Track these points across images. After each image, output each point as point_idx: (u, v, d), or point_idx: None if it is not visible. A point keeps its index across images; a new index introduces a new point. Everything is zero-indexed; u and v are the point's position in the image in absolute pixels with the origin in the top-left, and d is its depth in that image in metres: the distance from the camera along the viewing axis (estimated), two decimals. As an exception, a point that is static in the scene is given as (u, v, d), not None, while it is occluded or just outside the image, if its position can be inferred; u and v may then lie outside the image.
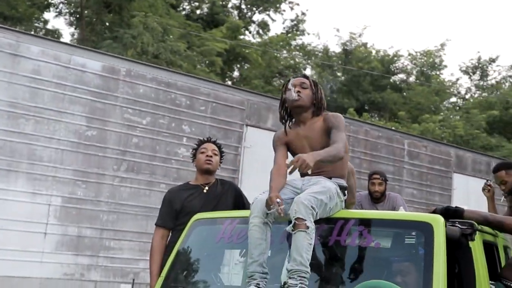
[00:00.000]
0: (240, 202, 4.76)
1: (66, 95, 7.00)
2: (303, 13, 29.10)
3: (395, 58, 26.15)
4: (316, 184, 3.30)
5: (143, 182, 7.48)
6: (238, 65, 22.12)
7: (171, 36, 13.37)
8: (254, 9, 27.17)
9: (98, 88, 7.25)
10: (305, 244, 2.99)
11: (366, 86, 24.18)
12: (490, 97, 23.27)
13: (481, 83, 27.50)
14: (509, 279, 3.94)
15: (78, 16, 15.45)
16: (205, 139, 5.16)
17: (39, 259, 6.64)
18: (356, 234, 3.17)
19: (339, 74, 25.38)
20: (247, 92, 8.96)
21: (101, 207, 7.14)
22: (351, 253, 3.21)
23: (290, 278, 2.96)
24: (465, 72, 27.76)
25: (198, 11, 24.64)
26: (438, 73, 26.31)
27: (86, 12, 14.92)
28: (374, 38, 52.53)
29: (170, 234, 4.72)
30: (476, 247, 3.51)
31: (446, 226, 3.15)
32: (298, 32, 29.25)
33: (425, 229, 3.08)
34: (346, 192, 3.49)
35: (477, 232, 3.56)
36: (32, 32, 13.93)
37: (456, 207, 3.72)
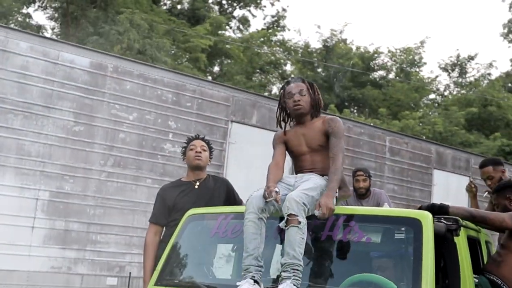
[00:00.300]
0: (231, 198, 4.88)
1: (54, 91, 7.03)
2: (283, 9, 29.29)
3: (375, 55, 26.41)
4: (307, 181, 3.44)
5: (130, 177, 7.54)
6: (218, 60, 22.16)
7: (155, 33, 13.41)
8: (235, 4, 27.22)
9: (86, 84, 7.29)
10: (297, 238, 3.12)
11: (346, 82, 24.39)
12: (468, 95, 23.63)
13: (460, 80, 27.91)
14: (492, 273, 4.11)
15: (61, 11, 15.37)
16: (194, 136, 5.27)
17: (27, 253, 6.68)
18: (347, 230, 3.30)
19: (319, 70, 25.57)
20: (232, 88, 9.04)
21: (88, 201, 7.19)
22: (342, 247, 3.34)
23: (284, 271, 3.08)
24: (444, 69, 28.14)
25: (179, 6, 24.63)
26: (417, 70, 26.64)
27: (70, 7, 14.86)
28: (355, 35, 52.89)
29: (164, 229, 4.84)
30: (461, 242, 3.66)
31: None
32: (278, 28, 29.38)
33: (414, 225, 3.21)
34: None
35: (462, 228, 3.71)
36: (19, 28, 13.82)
37: (441, 203, 3.87)
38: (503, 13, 59.17)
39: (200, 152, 4.95)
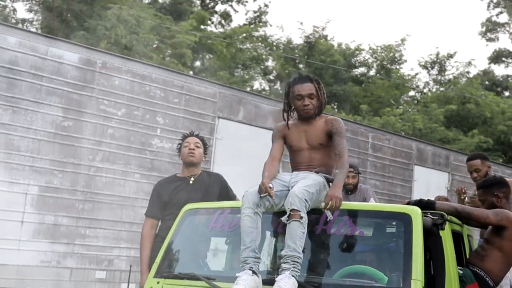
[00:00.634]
0: (225, 193, 5.02)
1: (43, 86, 7.07)
2: (265, 5, 29.35)
3: (357, 52, 26.64)
4: (306, 179, 3.56)
5: (118, 172, 7.61)
6: (201, 55, 22.20)
7: (142, 29, 13.42)
8: (217, -1, 27.25)
9: (75, 80, 7.34)
10: (298, 232, 3.26)
11: (327, 78, 24.56)
12: (448, 92, 23.98)
13: (439, 78, 28.29)
14: (476, 265, 4.30)
15: (46, 4, 15.27)
16: (189, 133, 5.40)
17: (16, 247, 6.73)
18: (341, 224, 3.44)
19: (301, 66, 25.71)
20: (219, 85, 9.15)
21: (77, 196, 7.25)
22: (336, 241, 3.48)
23: (284, 263, 3.22)
24: (424, 67, 28.49)
25: (160, 0, 24.57)
26: (398, 67, 26.93)
27: (56, 1, 14.78)
28: (337, 32, 53.22)
29: (160, 223, 4.97)
30: (446, 236, 3.82)
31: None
32: (260, 24, 29.46)
33: (404, 219, 3.37)
34: (330, 184, 3.76)
35: (447, 223, 3.88)
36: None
37: (428, 199, 4.03)
38: (481, 12, 59.95)
39: (194, 149, 5.10)
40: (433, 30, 53.91)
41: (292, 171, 3.93)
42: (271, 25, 36.08)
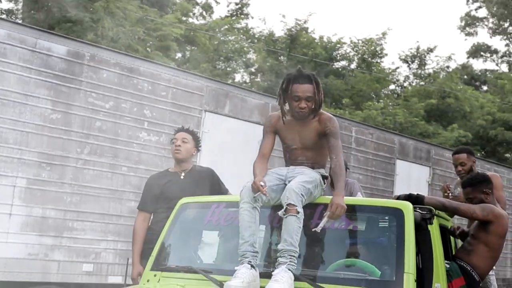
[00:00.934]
0: (216, 187, 5.11)
1: (31, 78, 7.05)
2: (247, -3, 29.31)
3: (338, 45, 26.77)
4: (302, 174, 3.65)
5: (106, 164, 7.63)
6: (184, 48, 22.15)
7: (128, 22, 13.37)
8: (199, -10, 27.12)
9: (63, 72, 7.33)
10: (295, 227, 3.35)
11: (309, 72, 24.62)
12: (428, 86, 24.25)
13: (419, 72, 28.59)
14: (463, 260, 4.45)
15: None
16: (179, 128, 5.49)
17: (4, 240, 6.73)
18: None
19: (283, 59, 25.81)
20: (206, 78, 9.19)
21: (64, 189, 7.25)
22: (330, 235, 3.59)
23: (281, 257, 3.31)
24: (404, 61, 28.77)
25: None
26: (379, 61, 27.14)
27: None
28: (319, 26, 53.43)
29: (152, 216, 5.05)
30: (434, 230, 3.95)
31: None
32: (242, 16, 29.43)
33: (397, 214, 3.48)
34: (325, 180, 3.86)
35: (435, 217, 4.01)
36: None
37: (417, 194, 4.16)
38: (461, 6, 60.54)
39: (180, 145, 5.20)
40: (413, 24, 54.36)
41: (286, 164, 4.01)
42: (252, 17, 36.01)
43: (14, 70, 6.93)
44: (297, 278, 3.27)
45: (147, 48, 14.54)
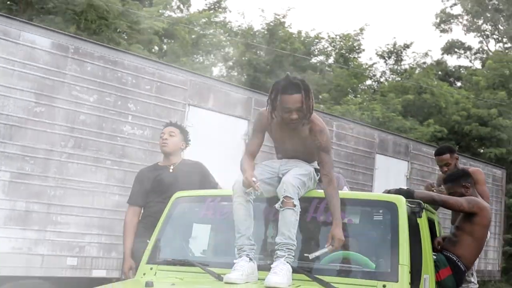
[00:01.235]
0: (206, 180, 5.15)
1: (15, 71, 6.98)
2: (225, -10, 29.18)
3: (316, 41, 26.86)
4: (298, 167, 3.70)
5: (90, 158, 7.59)
6: (164, 41, 22.04)
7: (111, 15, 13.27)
8: (176, -18, 26.93)
9: (47, 65, 7.26)
10: (292, 220, 3.40)
11: (287, 66, 24.75)
12: (404, 82, 24.50)
13: (396, 67, 28.87)
14: (449, 251, 4.58)
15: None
16: (166, 123, 5.53)
17: (-12, 234, 6.68)
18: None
19: (262, 53, 25.82)
20: (190, 72, 9.18)
21: (48, 182, 7.20)
22: (325, 228, 3.65)
23: (279, 250, 3.36)
24: (381, 56, 29.01)
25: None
26: (356, 56, 27.32)
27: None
28: (297, 20, 53.60)
29: (142, 210, 5.07)
30: (423, 223, 4.05)
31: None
32: (220, 10, 29.32)
33: (391, 207, 3.56)
34: (318, 173, 3.92)
35: (423, 210, 4.10)
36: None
37: (408, 188, 4.26)
38: (436, 3, 61.30)
39: (167, 139, 5.25)
40: (391, 20, 54.85)
41: (278, 157, 4.04)
42: (230, 11, 36.01)
43: (-3, 62, 6.85)
44: (295, 271, 3.33)
45: (129, 42, 14.46)
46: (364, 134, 11.83)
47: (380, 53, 28.94)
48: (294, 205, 3.41)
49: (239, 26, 27.13)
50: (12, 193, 6.89)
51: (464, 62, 40.96)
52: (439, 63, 32.08)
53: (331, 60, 27.02)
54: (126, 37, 14.77)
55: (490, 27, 34.03)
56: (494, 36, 34.38)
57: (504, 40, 33.83)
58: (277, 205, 3.47)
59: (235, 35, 26.58)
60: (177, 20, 19.96)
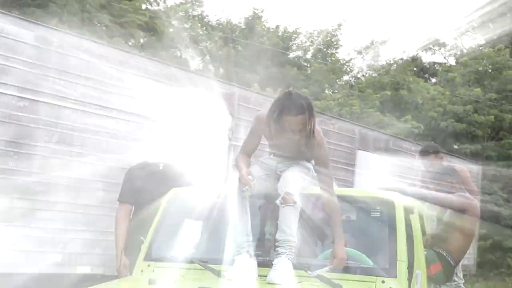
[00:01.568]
0: (196, 177, 5.14)
1: (-2, 64, 6.87)
2: (203, -17, 29.07)
3: (294, 35, 26.95)
4: (298, 165, 3.71)
5: (74, 153, 7.51)
6: (144, 35, 21.87)
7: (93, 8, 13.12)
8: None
9: (31, 59, 7.15)
10: (292, 217, 3.42)
11: (266, 61, 24.78)
12: (382, 78, 24.68)
13: (373, 63, 29.10)
14: (439, 246, 4.66)
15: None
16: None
17: (-29, 230, 6.57)
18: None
19: (240, 48, 25.82)
20: (176, 68, 9.13)
21: (32, 178, 7.11)
22: (323, 224, 3.68)
23: (280, 247, 3.38)
24: (359, 52, 29.23)
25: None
26: (334, 52, 27.46)
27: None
28: (275, 15, 53.60)
29: (133, 208, 5.05)
30: (414, 220, 4.10)
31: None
32: (197, 3, 29.20)
33: (388, 204, 3.60)
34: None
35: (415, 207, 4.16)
36: None
37: (399, 185, 4.31)
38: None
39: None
40: (368, 16, 55.16)
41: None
42: (208, 5, 35.88)
43: (-20, 56, 6.73)
44: (295, 267, 3.35)
45: (111, 35, 14.32)
46: (345, 129, 11.91)
47: (357, 49, 29.16)
48: (295, 202, 3.43)
49: (218, 20, 27.06)
50: (-5, 189, 6.78)
51: (438, 58, 41.38)
52: (414, 59, 32.37)
53: (309, 55, 27.12)
54: (106, 30, 14.63)
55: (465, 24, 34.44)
56: (468, 33, 34.82)
57: (479, 37, 34.30)
58: (278, 201, 3.48)
59: (213, 29, 26.52)
60: (156, 13, 19.81)
